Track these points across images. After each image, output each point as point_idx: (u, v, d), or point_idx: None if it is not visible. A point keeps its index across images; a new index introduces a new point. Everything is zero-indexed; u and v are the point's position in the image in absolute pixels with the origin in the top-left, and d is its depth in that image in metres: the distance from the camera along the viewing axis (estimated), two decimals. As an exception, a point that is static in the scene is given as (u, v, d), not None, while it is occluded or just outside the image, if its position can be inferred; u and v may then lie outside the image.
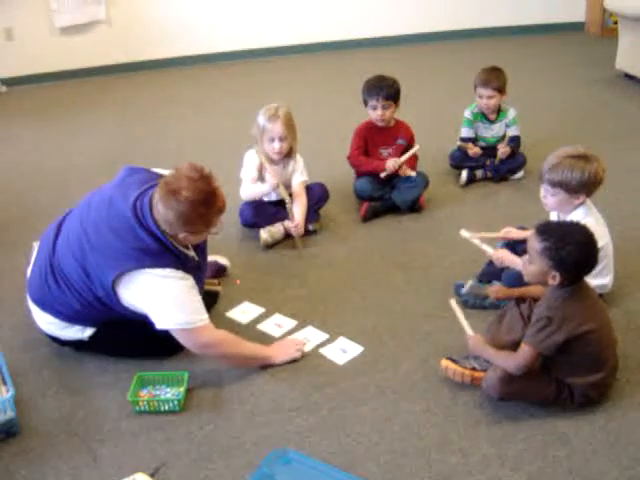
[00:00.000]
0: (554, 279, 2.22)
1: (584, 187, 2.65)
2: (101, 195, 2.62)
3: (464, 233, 2.95)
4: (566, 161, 2.65)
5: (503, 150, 4.01)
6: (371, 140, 3.83)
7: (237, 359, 2.63)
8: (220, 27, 7.13)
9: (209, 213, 2.43)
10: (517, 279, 2.61)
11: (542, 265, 2.23)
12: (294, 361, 2.65)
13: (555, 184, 2.68)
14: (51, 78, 6.84)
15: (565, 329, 2.20)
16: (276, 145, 3.44)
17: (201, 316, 2.50)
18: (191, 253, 2.60)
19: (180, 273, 2.47)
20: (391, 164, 3.68)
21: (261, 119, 3.45)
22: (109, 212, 2.51)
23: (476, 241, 2.90)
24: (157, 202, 2.40)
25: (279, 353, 2.66)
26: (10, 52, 6.64)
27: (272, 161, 3.52)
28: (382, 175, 3.72)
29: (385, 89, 3.69)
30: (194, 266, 2.59)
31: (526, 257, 2.33)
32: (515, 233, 2.93)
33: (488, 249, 2.88)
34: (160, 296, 2.45)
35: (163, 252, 2.45)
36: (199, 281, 2.61)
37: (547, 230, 2.26)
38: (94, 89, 6.64)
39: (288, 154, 3.54)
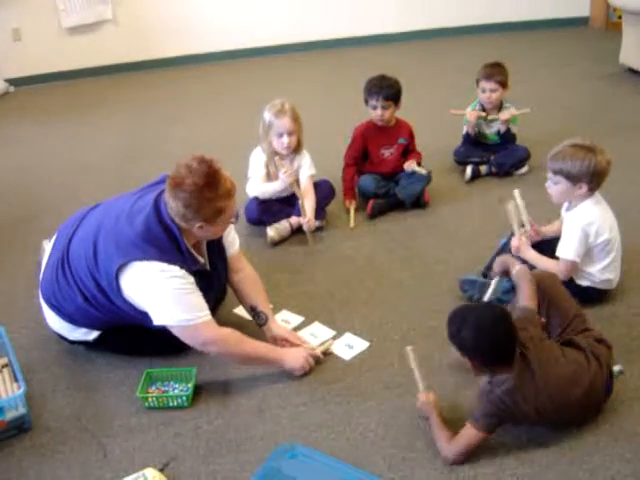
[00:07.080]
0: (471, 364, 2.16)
1: (584, 176, 2.65)
2: (134, 192, 2.67)
3: (516, 194, 2.90)
4: (568, 149, 2.68)
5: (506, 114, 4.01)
6: (372, 141, 3.83)
7: (242, 357, 2.58)
8: (226, 25, 7.15)
9: (217, 196, 2.40)
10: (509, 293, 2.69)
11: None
12: (304, 375, 2.58)
13: (556, 171, 2.70)
14: (58, 78, 6.89)
15: (514, 418, 2.16)
16: (285, 140, 3.45)
17: (200, 313, 2.45)
18: (202, 259, 2.60)
19: (182, 272, 2.44)
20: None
21: (267, 115, 3.46)
22: (134, 205, 2.55)
23: (516, 208, 2.86)
24: (167, 199, 2.42)
25: (289, 358, 2.59)
26: (18, 52, 6.69)
27: (280, 157, 3.53)
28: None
29: (385, 90, 3.69)
30: (202, 273, 2.56)
31: None
32: (544, 229, 2.96)
33: (515, 228, 2.87)
34: (159, 291, 2.42)
35: (171, 249, 2.46)
36: (208, 291, 2.57)
37: (453, 316, 2.19)
38: (101, 88, 6.68)
39: (296, 149, 3.56)
